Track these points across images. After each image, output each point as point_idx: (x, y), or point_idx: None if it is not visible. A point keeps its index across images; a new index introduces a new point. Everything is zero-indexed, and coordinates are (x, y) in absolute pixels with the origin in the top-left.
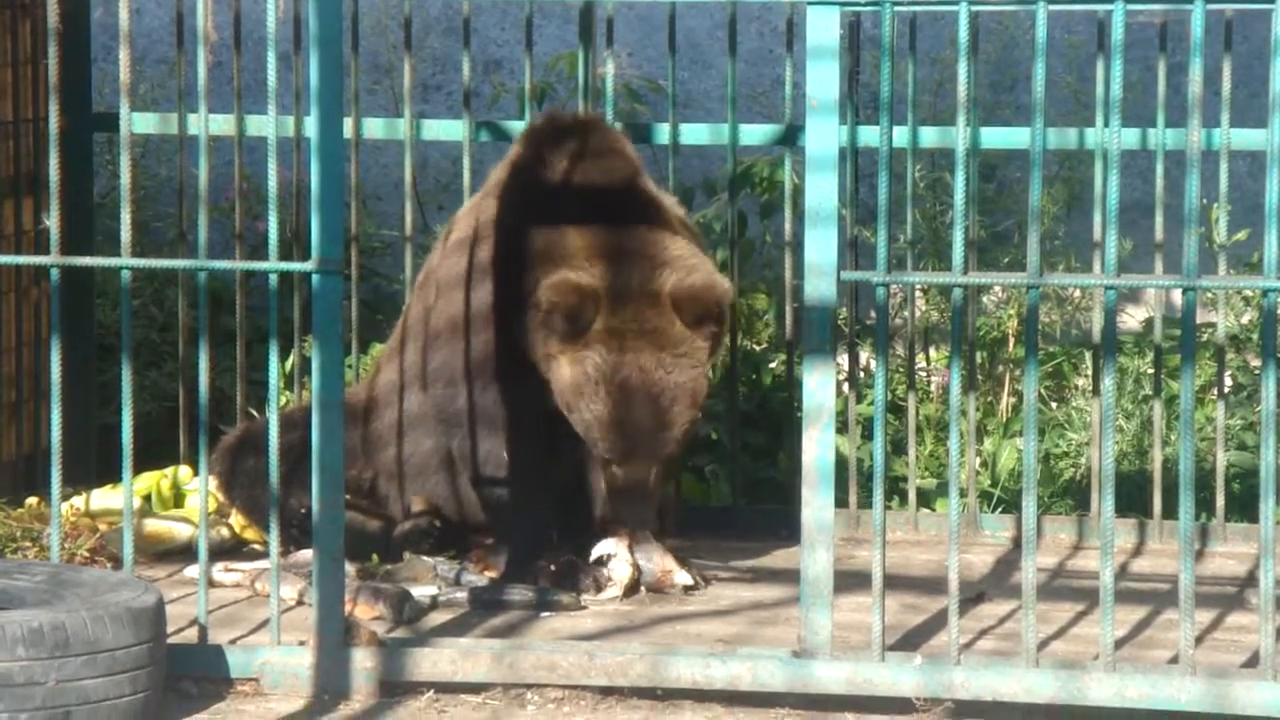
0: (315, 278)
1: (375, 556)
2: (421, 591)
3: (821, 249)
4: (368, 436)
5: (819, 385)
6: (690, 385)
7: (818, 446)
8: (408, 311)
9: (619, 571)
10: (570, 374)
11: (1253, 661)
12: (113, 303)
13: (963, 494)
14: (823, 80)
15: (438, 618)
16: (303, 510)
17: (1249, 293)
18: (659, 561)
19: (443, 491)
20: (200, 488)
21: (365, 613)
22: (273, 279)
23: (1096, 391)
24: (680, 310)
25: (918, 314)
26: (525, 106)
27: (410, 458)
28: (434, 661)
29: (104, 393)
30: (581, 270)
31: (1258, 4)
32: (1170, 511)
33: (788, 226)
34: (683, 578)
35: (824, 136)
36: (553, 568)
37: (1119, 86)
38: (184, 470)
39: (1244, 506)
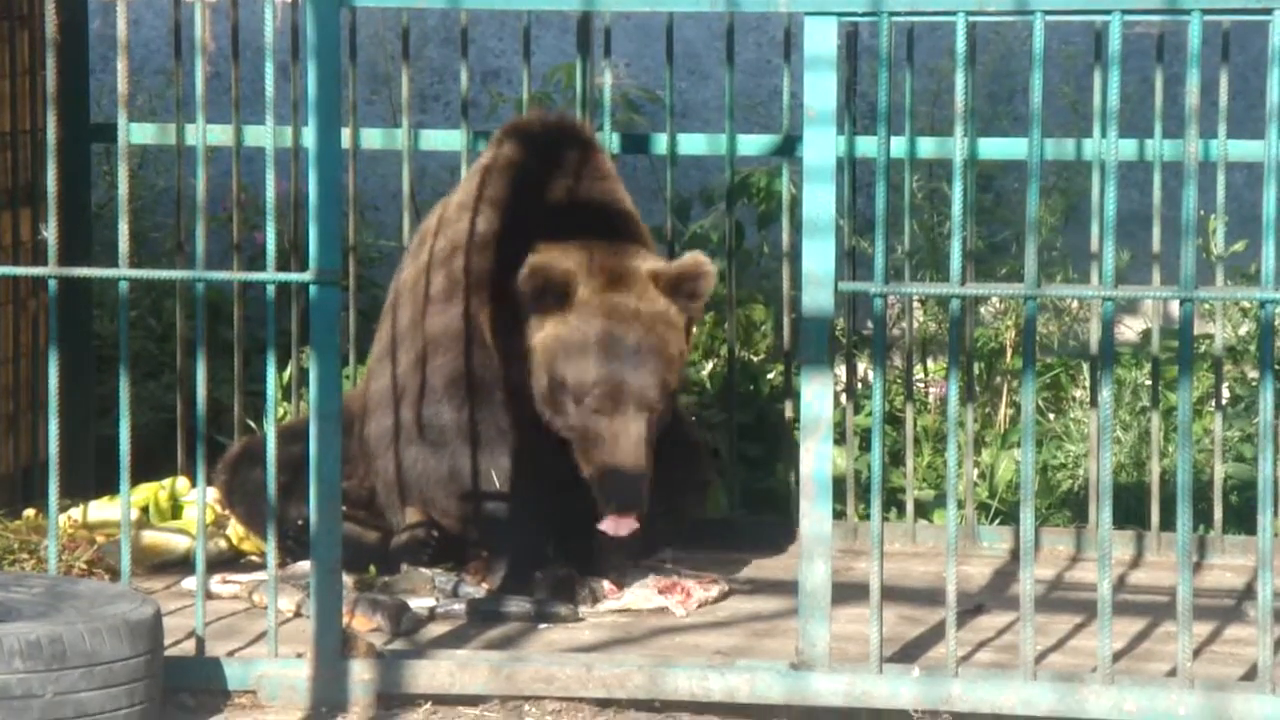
0: (313, 288)
1: (373, 568)
2: (419, 603)
3: (819, 259)
4: (364, 444)
5: (816, 396)
6: (668, 336)
7: (815, 458)
8: (396, 310)
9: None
10: (553, 338)
11: (1251, 674)
12: (110, 314)
13: (960, 505)
14: (820, 90)
15: (435, 629)
16: (300, 522)
17: (1246, 304)
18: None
19: (440, 504)
20: (198, 499)
21: (363, 624)
22: (270, 290)
23: (1094, 403)
24: (657, 279)
25: (915, 325)
26: None
27: (407, 470)
28: (432, 673)
29: (102, 404)
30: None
31: (1255, 15)
32: (1168, 523)
33: (785, 237)
34: (702, 593)
35: (821, 147)
36: (554, 576)
37: (1116, 97)
38: (182, 482)
39: (1242, 518)
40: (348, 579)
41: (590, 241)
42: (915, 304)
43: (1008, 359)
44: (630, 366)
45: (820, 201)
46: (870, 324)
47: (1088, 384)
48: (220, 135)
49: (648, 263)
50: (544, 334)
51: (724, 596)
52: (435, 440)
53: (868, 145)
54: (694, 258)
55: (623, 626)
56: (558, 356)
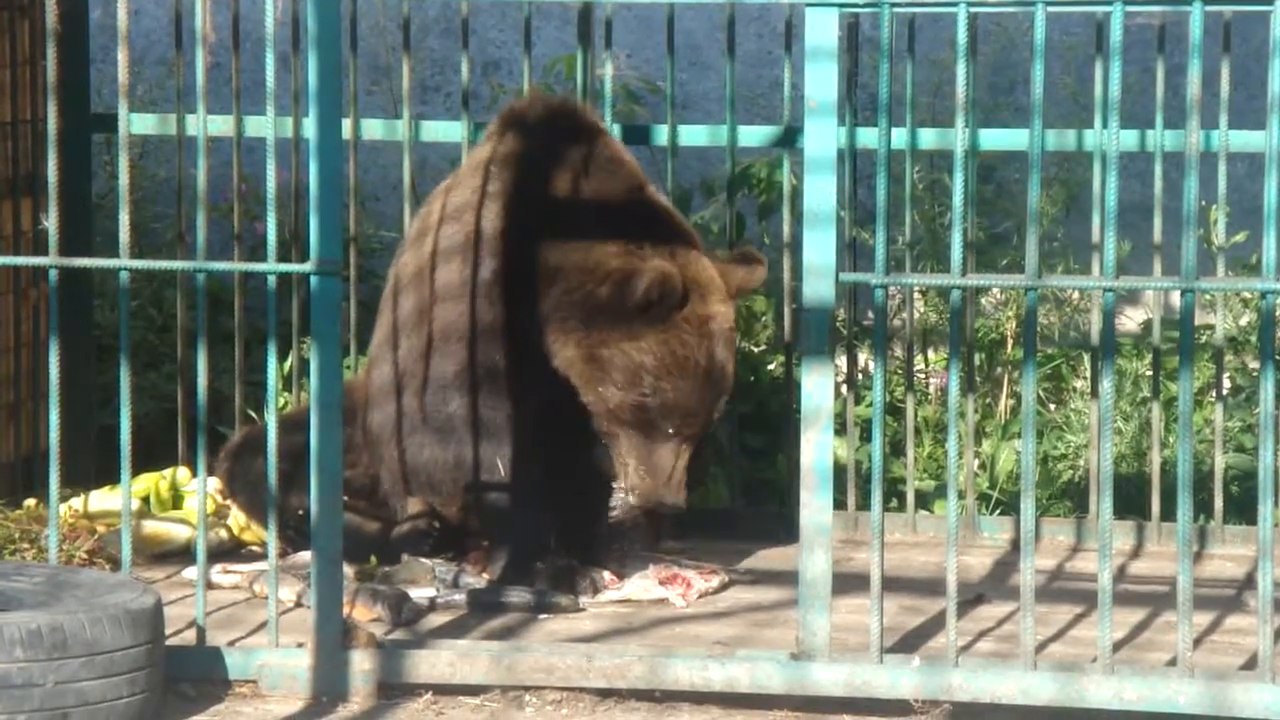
0: (314, 279)
1: (373, 558)
2: (419, 593)
3: (820, 250)
4: (368, 433)
5: (817, 387)
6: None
7: (816, 448)
8: (397, 299)
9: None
10: (657, 356)
11: (1251, 664)
12: (111, 304)
13: (961, 496)
14: (821, 82)
15: (436, 620)
16: (301, 512)
17: (1247, 294)
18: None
19: (446, 492)
20: (199, 489)
21: (363, 614)
22: (271, 280)
23: (1095, 393)
24: (727, 277)
25: (916, 316)
26: None
27: (412, 458)
28: (432, 663)
29: (102, 394)
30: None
31: (1256, 5)
32: (1169, 513)
33: (786, 228)
34: (702, 584)
35: (822, 138)
36: (555, 566)
37: (1117, 88)
38: (182, 472)
39: (1242, 509)
40: (348, 569)
41: (673, 246)
42: (916, 295)
43: (1008, 350)
44: (718, 398)
45: (821, 192)
46: (871, 315)
47: (1088, 375)
48: (221, 126)
49: (710, 265)
50: (643, 348)
51: (724, 587)
52: (441, 429)
53: (869, 136)
54: (760, 269)
55: (623, 617)
56: (655, 374)
